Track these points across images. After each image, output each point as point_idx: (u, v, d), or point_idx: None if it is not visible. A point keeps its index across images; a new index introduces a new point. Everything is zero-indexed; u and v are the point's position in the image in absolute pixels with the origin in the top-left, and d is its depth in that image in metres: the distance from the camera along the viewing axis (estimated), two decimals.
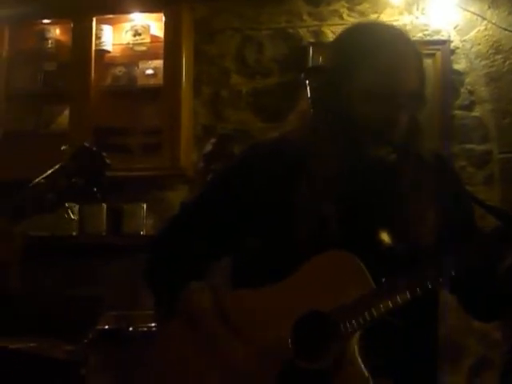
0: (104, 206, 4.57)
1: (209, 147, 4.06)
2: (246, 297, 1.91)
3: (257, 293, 1.89)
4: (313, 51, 4.67)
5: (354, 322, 1.78)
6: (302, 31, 4.82)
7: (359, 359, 1.77)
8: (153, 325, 3.67)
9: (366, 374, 1.76)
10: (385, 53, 1.89)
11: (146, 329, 3.70)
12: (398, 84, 1.88)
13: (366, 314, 1.78)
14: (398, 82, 1.88)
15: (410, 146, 1.91)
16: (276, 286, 1.87)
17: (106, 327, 3.80)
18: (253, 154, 2.07)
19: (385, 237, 1.89)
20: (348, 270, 1.83)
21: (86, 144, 1.97)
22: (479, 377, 4.46)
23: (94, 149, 1.97)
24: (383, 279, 1.81)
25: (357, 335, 1.79)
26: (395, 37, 1.96)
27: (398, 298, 1.78)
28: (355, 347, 1.78)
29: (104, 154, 2.55)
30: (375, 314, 1.78)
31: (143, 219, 4.59)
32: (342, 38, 2.01)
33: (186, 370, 1.91)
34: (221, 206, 2.02)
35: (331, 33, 4.69)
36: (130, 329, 3.74)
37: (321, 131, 1.93)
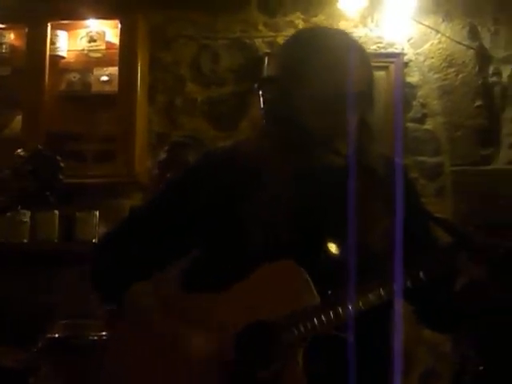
0: (56, 212, 4.53)
1: (163, 155, 4.05)
2: (193, 302, 1.90)
3: (203, 299, 1.89)
4: (268, 61, 4.68)
5: (296, 332, 1.78)
6: (258, 41, 4.84)
7: (302, 370, 1.78)
8: (104, 333, 3.64)
9: None
10: (326, 55, 1.91)
11: (97, 337, 3.68)
12: (343, 85, 1.88)
13: (310, 326, 1.78)
14: (342, 83, 1.88)
15: (361, 153, 1.91)
16: (222, 295, 1.87)
17: (57, 335, 3.76)
18: (205, 162, 2.08)
19: (333, 247, 1.89)
20: (294, 282, 1.82)
21: (40, 148, 1.94)
22: None
23: (48, 153, 1.95)
24: (329, 292, 1.81)
25: (301, 346, 1.79)
26: (336, 38, 1.97)
27: (340, 310, 1.78)
28: (299, 359, 1.79)
29: (58, 157, 2.53)
30: (319, 326, 1.78)
31: (96, 227, 4.55)
32: (285, 46, 2.02)
33: (139, 372, 1.90)
34: (170, 213, 2.01)
35: None
36: (82, 337, 3.71)
37: (272, 141, 1.93)
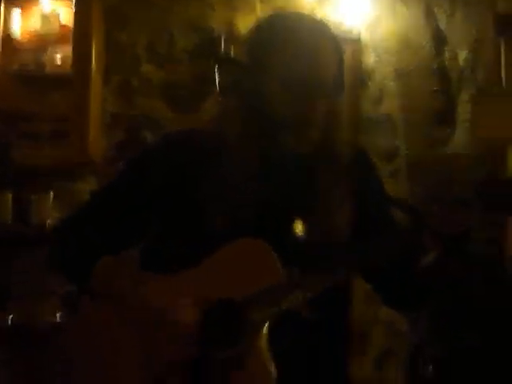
0: (10, 195, 4.48)
1: (120, 136, 4.03)
2: (156, 282, 1.89)
3: (167, 279, 1.88)
4: (224, 42, 4.66)
5: (262, 311, 1.79)
6: (214, 22, 4.80)
7: (267, 349, 1.79)
8: (59, 317, 3.63)
9: (271, 366, 1.78)
10: (298, 40, 1.90)
11: (52, 320, 3.66)
12: (314, 72, 1.88)
13: (275, 304, 1.79)
14: (314, 70, 1.88)
15: (327, 139, 1.93)
16: (187, 273, 1.87)
17: (12, 320, 3.74)
18: (163, 143, 2.06)
19: (299, 228, 1.90)
20: (260, 258, 1.83)
21: None
22: (384, 368, 4.54)
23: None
24: (294, 270, 1.82)
25: (266, 325, 1.80)
26: (309, 23, 1.96)
27: (306, 290, 1.80)
28: (264, 337, 1.79)
29: (9, 138, 2.49)
30: (284, 305, 1.79)
31: (50, 209, 4.51)
32: (255, 31, 2.00)
33: (105, 351, 1.91)
34: (130, 193, 2.01)
35: (243, 24, 4.69)
36: (36, 322, 3.69)
37: (235, 123, 1.94)
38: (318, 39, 1.92)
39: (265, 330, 1.80)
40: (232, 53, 4.36)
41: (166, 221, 1.99)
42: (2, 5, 4.66)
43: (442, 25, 4.67)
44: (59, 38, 4.73)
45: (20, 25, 4.74)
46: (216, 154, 1.93)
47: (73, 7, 4.65)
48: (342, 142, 1.99)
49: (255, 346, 1.79)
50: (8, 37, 4.71)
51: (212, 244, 1.87)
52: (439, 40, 4.65)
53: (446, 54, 4.65)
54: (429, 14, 4.67)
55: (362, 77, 4.63)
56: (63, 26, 4.72)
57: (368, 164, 2.12)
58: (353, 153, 2.02)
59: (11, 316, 3.74)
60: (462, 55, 4.62)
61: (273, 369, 1.78)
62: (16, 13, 4.71)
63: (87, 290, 1.97)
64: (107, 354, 1.91)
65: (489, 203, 1.85)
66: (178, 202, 1.95)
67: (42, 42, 4.74)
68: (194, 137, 2.02)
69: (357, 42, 4.63)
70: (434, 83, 4.63)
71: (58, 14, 4.71)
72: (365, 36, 4.68)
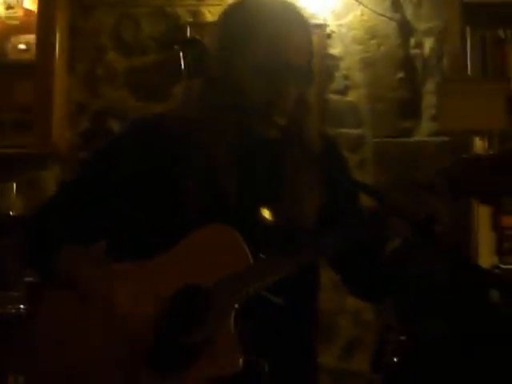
0: None
1: (85, 125, 3.99)
2: (124, 269, 1.88)
3: (135, 266, 1.88)
4: (190, 30, 4.63)
5: (230, 296, 1.79)
6: (180, 10, 4.77)
7: (234, 334, 1.78)
8: (22, 306, 3.59)
9: (238, 352, 1.77)
10: (272, 26, 1.89)
11: (14, 310, 3.62)
12: (286, 56, 1.88)
13: (243, 289, 1.79)
14: (286, 54, 1.88)
15: (297, 126, 1.93)
16: (155, 260, 1.87)
17: None
18: (131, 129, 2.05)
19: (266, 214, 1.90)
20: (227, 244, 1.84)
21: None
22: (351, 357, 4.55)
23: None
24: (261, 255, 1.82)
25: (233, 310, 1.79)
26: (283, 9, 1.95)
27: (274, 275, 1.80)
28: (231, 322, 1.79)
29: None
30: (251, 289, 1.79)
31: (13, 198, 4.46)
32: (227, 13, 1.99)
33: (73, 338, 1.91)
34: (99, 182, 1.99)
35: (209, 13, 4.66)
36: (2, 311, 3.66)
37: (208, 110, 1.93)
38: (291, 25, 1.92)
39: (232, 315, 1.79)
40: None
41: (136, 209, 1.97)
42: None
43: (409, 14, 4.67)
44: (23, 26, 4.68)
45: None
46: (184, 139, 1.93)
47: None
48: (310, 129, 1.98)
49: (222, 331, 1.78)
50: None
51: (180, 230, 1.87)
52: (405, 29, 4.65)
53: (412, 44, 4.64)
54: (395, 4, 4.67)
55: (328, 66, 4.62)
56: (27, 14, 4.66)
57: (337, 153, 2.12)
58: (321, 141, 2.01)
59: None
60: (428, 44, 4.62)
61: (240, 354, 1.77)
62: None
63: (51, 278, 1.97)
64: (71, 341, 1.91)
65: (453, 188, 1.84)
66: (147, 188, 1.94)
67: (5, 30, 4.68)
68: (161, 121, 2.00)
69: (322, 27, 4.61)
70: (400, 72, 4.63)
71: (22, 1, 4.66)
72: (331, 25, 4.67)
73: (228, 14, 1.99)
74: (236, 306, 1.79)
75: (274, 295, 1.80)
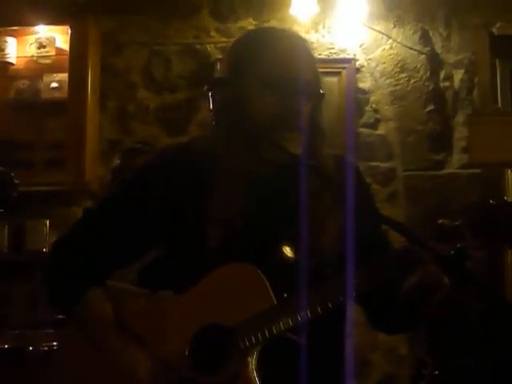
0: (6, 222, 4.46)
1: (116, 161, 4.01)
2: (148, 306, 1.87)
3: (160, 302, 1.86)
4: (219, 66, 4.67)
5: (253, 337, 1.77)
6: (210, 47, 4.81)
7: (256, 375, 1.76)
8: (54, 344, 3.59)
9: None
10: (276, 44, 1.93)
11: (46, 348, 3.62)
12: (293, 72, 1.89)
13: (266, 329, 1.77)
14: (293, 70, 1.89)
15: (310, 151, 1.90)
16: (178, 297, 1.85)
17: (6, 346, 3.71)
18: (158, 159, 2.04)
19: (287, 250, 1.87)
20: (250, 284, 1.81)
21: None
22: None
23: (1, 169, 1.91)
24: (284, 295, 1.80)
25: (256, 350, 1.77)
26: (287, 33, 2.03)
27: (298, 315, 1.77)
28: (253, 363, 1.77)
29: (12, 174, 2.46)
30: (275, 330, 1.77)
31: (46, 235, 4.49)
32: (236, 41, 2.03)
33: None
34: (125, 212, 1.97)
35: None
36: (31, 348, 3.66)
37: (222, 141, 1.92)
38: (295, 43, 1.96)
39: (255, 356, 1.78)
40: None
41: (162, 239, 1.96)
42: None
43: (438, 47, 4.68)
44: (55, 65, 4.74)
45: (15, 52, 4.75)
46: (207, 171, 1.92)
47: (68, 33, 4.65)
48: (325, 155, 1.96)
49: (244, 372, 1.77)
50: (4, 65, 4.72)
51: (206, 266, 1.84)
52: (434, 62, 4.65)
53: (442, 76, 4.64)
54: (424, 37, 4.68)
55: (358, 100, 4.63)
56: (59, 53, 4.73)
57: (358, 178, 2.07)
58: (339, 166, 1.99)
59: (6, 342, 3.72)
60: (458, 77, 4.62)
61: None
62: (11, 40, 4.72)
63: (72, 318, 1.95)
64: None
65: (479, 230, 1.80)
66: (171, 219, 1.92)
67: (38, 69, 4.76)
68: (188, 153, 1.99)
69: (352, 61, 4.63)
70: (430, 105, 4.62)
71: (54, 40, 4.72)
72: (360, 60, 4.69)
73: (235, 42, 2.03)
74: (259, 345, 1.77)
75: (297, 335, 1.78)
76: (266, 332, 1.77)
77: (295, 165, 1.88)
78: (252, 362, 1.77)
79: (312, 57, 1.98)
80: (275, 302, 1.79)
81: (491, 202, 1.76)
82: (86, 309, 1.91)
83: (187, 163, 1.96)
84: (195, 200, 1.90)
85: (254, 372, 1.76)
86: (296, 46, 1.95)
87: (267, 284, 1.80)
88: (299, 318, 1.77)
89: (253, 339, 1.77)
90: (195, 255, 1.87)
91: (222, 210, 1.87)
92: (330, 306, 1.80)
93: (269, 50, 1.91)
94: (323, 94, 1.97)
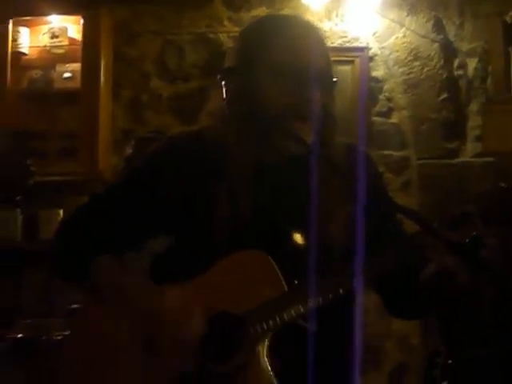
0: (19, 211, 4.48)
1: (129, 150, 4.01)
2: (157, 291, 1.84)
3: (165, 290, 1.83)
4: (226, 54, 4.65)
5: (264, 324, 1.76)
6: (223, 36, 4.81)
7: (267, 362, 1.76)
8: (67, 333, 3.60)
9: (273, 379, 1.74)
10: (286, 31, 1.91)
11: (59, 337, 3.64)
12: (305, 60, 1.87)
13: (277, 317, 1.76)
14: (305, 57, 1.87)
15: (322, 140, 1.88)
16: (187, 284, 1.83)
17: (20, 336, 3.72)
18: (167, 147, 2.02)
19: (298, 238, 1.87)
20: (260, 271, 1.80)
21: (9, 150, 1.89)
22: (399, 382, 4.50)
23: (17, 156, 1.89)
24: (295, 282, 1.79)
25: (267, 338, 1.77)
26: (298, 20, 2.01)
27: (309, 302, 1.76)
28: (264, 350, 1.76)
29: (28, 162, 2.44)
30: (286, 317, 1.76)
31: None
32: (246, 29, 2.01)
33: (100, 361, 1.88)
34: (133, 195, 1.96)
35: None
36: (43, 337, 3.68)
37: (232, 130, 1.90)
38: (305, 29, 1.94)
39: (266, 343, 1.77)
40: None
41: (170, 226, 1.95)
42: (11, 23, 4.68)
43: (451, 36, 4.66)
44: (68, 55, 4.75)
45: (28, 42, 4.76)
46: (217, 160, 1.91)
47: (81, 23, 4.66)
48: (337, 144, 1.94)
49: (254, 360, 1.76)
50: (17, 55, 4.73)
51: (216, 253, 1.84)
52: (448, 51, 4.63)
53: (455, 65, 4.62)
54: (437, 25, 4.66)
55: (371, 88, 4.62)
56: (72, 42, 4.74)
57: (370, 167, 2.05)
58: (351, 155, 1.97)
59: (20, 331, 3.73)
60: (472, 65, 4.59)
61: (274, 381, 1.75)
62: (24, 31, 4.73)
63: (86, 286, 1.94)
64: (105, 358, 1.88)
65: (491, 217, 1.79)
66: (179, 207, 1.91)
67: (51, 59, 4.77)
68: (198, 141, 1.98)
69: (365, 49, 4.62)
70: (443, 93, 4.61)
71: (67, 30, 4.73)
72: (374, 48, 4.67)
73: (245, 29, 2.01)
74: (270, 332, 1.76)
75: (309, 321, 1.78)
76: (278, 319, 1.76)
77: (306, 154, 1.87)
78: (263, 349, 1.76)
79: (324, 44, 1.96)
80: (286, 288, 1.79)
81: (502, 185, 1.75)
82: (100, 267, 1.90)
83: (198, 151, 1.95)
84: (205, 188, 1.88)
85: (266, 359, 1.76)
86: (307, 34, 1.93)
87: (278, 271, 1.79)
88: (311, 305, 1.76)
89: (264, 326, 1.76)
90: (204, 244, 1.86)
91: (231, 199, 1.86)
92: (341, 292, 1.79)
93: (280, 37, 1.89)
94: (335, 82, 1.96)
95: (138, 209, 1.95)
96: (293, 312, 1.77)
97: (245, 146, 1.89)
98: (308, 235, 1.85)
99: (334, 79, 1.95)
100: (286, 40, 1.89)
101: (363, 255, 1.80)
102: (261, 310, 1.78)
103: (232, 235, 1.84)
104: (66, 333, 3.59)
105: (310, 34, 1.94)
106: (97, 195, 2.08)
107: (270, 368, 1.76)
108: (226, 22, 4.84)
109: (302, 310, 1.77)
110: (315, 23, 2.06)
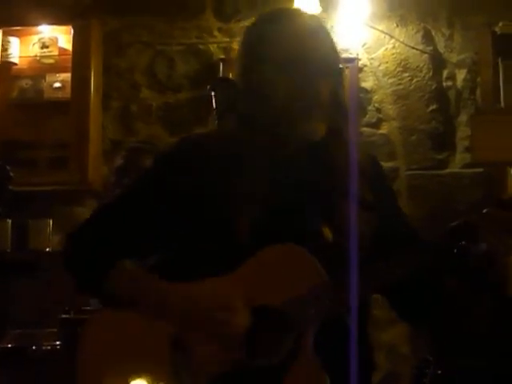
0: (9, 221, 4.47)
1: (119, 161, 4.02)
2: (190, 288, 1.81)
3: (200, 285, 1.80)
4: (223, 67, 4.67)
5: (309, 316, 1.73)
6: (213, 47, 4.81)
7: (315, 356, 1.72)
8: (58, 343, 3.60)
9: (323, 372, 1.72)
10: (285, 23, 1.91)
11: (49, 347, 3.63)
12: (306, 51, 1.87)
13: (323, 307, 1.74)
14: (306, 49, 1.87)
15: (335, 130, 1.88)
16: (221, 279, 1.79)
17: (10, 345, 3.72)
18: (179, 148, 2.00)
19: (326, 232, 1.84)
20: (298, 264, 1.77)
21: None
22: None
23: None
24: (336, 272, 1.76)
25: (312, 330, 1.74)
26: (294, 11, 2.06)
27: (353, 295, 1.74)
28: (311, 343, 1.73)
29: (8, 167, 2.44)
30: (330, 311, 1.74)
31: (49, 235, 4.50)
32: (248, 27, 2.01)
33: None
34: (150, 198, 1.93)
35: None
36: (34, 347, 3.66)
37: (244, 129, 1.91)
38: (306, 20, 1.94)
39: (312, 335, 1.74)
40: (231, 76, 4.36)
41: (189, 225, 1.90)
42: (1, 32, 4.69)
43: (441, 47, 4.67)
44: (58, 65, 4.76)
45: (18, 52, 4.77)
46: (231, 159, 1.89)
47: (71, 33, 4.66)
48: (350, 135, 1.94)
49: (303, 353, 1.73)
50: (7, 64, 4.74)
51: (241, 249, 1.80)
52: (437, 62, 4.65)
53: (444, 76, 4.64)
54: (427, 37, 4.68)
55: (360, 99, 4.63)
56: (62, 53, 4.74)
57: (381, 172, 2.07)
58: (364, 157, 1.97)
59: (9, 341, 3.72)
60: (461, 76, 4.62)
61: (325, 374, 1.72)
62: (14, 40, 4.73)
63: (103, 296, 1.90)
64: (130, 358, 1.83)
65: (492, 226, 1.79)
66: (195, 208, 1.88)
67: (41, 69, 4.77)
68: (209, 141, 1.97)
69: (354, 60, 4.63)
70: (433, 104, 4.62)
71: (57, 40, 4.73)
72: (363, 59, 4.69)
73: (247, 28, 2.01)
74: (316, 324, 1.73)
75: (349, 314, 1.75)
76: (324, 310, 1.74)
77: (320, 147, 1.88)
78: (310, 340, 1.73)
79: (327, 33, 1.95)
80: (327, 278, 1.75)
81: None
82: (121, 275, 1.87)
83: (212, 150, 1.93)
84: (224, 186, 1.86)
85: (313, 351, 1.72)
86: (307, 25, 1.92)
87: (317, 262, 1.76)
88: (354, 298, 1.73)
89: (309, 318, 1.73)
90: (227, 241, 1.82)
91: (252, 196, 1.84)
92: (383, 284, 1.79)
93: (278, 31, 1.89)
94: (342, 69, 1.96)
95: (154, 210, 1.92)
96: (338, 302, 1.74)
97: (259, 141, 1.88)
98: (335, 229, 1.83)
99: (341, 66, 1.95)
100: (284, 32, 1.89)
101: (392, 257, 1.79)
102: (305, 300, 1.74)
103: (257, 231, 1.81)
104: (56, 343, 3.60)
105: (310, 24, 1.93)
106: (106, 204, 2.04)
107: (318, 361, 1.72)
108: (216, 33, 4.85)
109: (342, 301, 1.74)
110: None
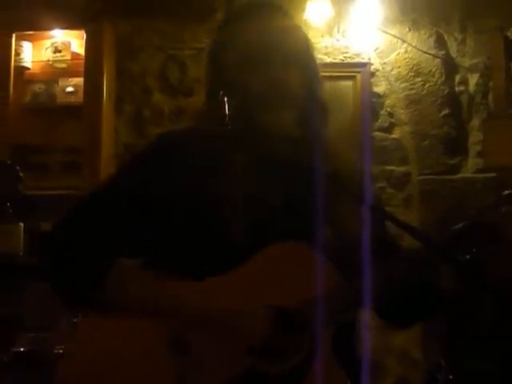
0: (21, 225, 4.48)
1: None
2: (195, 288, 1.77)
3: (198, 286, 1.76)
4: None
5: (325, 316, 1.69)
6: None
7: (333, 357, 1.70)
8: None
9: (344, 372, 1.70)
10: (253, 16, 1.92)
11: (61, 351, 3.63)
12: (272, 40, 1.87)
13: (341, 308, 1.71)
14: (271, 40, 1.87)
15: (311, 126, 1.86)
16: (219, 280, 1.75)
17: (22, 349, 3.72)
18: (155, 145, 1.98)
19: (326, 233, 1.81)
20: (305, 263, 1.73)
21: None
22: None
23: (7, 164, 1.87)
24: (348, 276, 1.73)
25: (331, 329, 1.70)
26: (264, 3, 1.97)
27: (366, 298, 1.70)
28: (329, 347, 1.70)
29: (17, 167, 2.42)
30: (344, 314, 1.72)
31: None
32: (214, 31, 2.03)
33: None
34: (122, 197, 1.89)
35: None
36: (47, 351, 3.67)
37: (224, 129, 1.87)
38: (269, 9, 1.93)
39: (331, 334, 1.70)
40: None
41: (173, 222, 1.86)
42: (14, 37, 4.70)
43: (453, 51, 4.67)
44: (70, 69, 4.76)
45: (31, 56, 4.78)
46: (208, 157, 1.88)
47: (84, 37, 4.68)
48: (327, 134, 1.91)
49: (323, 351, 1.70)
50: (20, 69, 4.75)
51: (237, 248, 1.77)
52: (450, 66, 4.64)
53: (457, 80, 4.64)
54: (439, 41, 4.67)
55: (372, 104, 4.63)
56: (75, 57, 4.75)
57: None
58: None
59: (22, 344, 3.73)
60: (473, 81, 4.61)
61: (345, 375, 1.69)
62: (27, 45, 4.75)
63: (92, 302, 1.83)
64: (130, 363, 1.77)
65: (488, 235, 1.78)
66: (185, 200, 1.85)
67: (54, 73, 4.78)
68: (188, 138, 1.95)
69: (367, 65, 4.63)
70: (445, 109, 4.62)
71: (70, 45, 4.75)
72: (375, 64, 4.69)
73: (214, 32, 2.03)
74: (332, 330, 1.70)
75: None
76: (338, 315, 1.71)
77: (299, 140, 1.83)
78: (329, 339, 1.69)
79: (297, 27, 1.95)
80: (341, 278, 1.72)
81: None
82: (120, 279, 1.82)
83: (185, 150, 1.91)
84: (208, 186, 1.84)
85: (331, 351, 1.69)
86: (274, 16, 1.91)
87: (331, 263, 1.72)
88: (366, 301, 1.70)
89: (325, 318, 1.69)
90: (218, 241, 1.80)
91: (245, 196, 1.82)
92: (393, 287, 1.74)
93: (244, 21, 1.91)
94: (316, 63, 1.93)
95: (136, 204, 1.87)
96: (346, 307, 1.72)
97: (240, 139, 1.87)
98: (333, 230, 1.81)
99: (315, 61, 1.93)
100: (250, 24, 1.90)
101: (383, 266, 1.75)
102: (321, 300, 1.70)
103: (253, 231, 1.79)
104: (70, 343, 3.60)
105: (278, 15, 1.92)
106: (94, 193, 1.99)
107: (336, 362, 1.70)
108: None
109: (355, 303, 1.71)
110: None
